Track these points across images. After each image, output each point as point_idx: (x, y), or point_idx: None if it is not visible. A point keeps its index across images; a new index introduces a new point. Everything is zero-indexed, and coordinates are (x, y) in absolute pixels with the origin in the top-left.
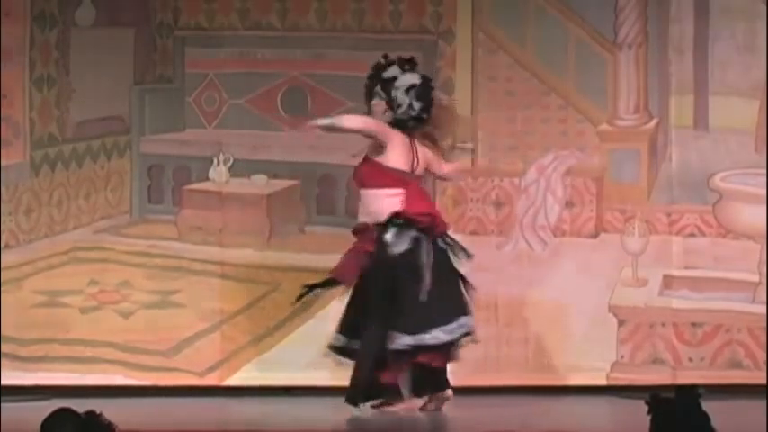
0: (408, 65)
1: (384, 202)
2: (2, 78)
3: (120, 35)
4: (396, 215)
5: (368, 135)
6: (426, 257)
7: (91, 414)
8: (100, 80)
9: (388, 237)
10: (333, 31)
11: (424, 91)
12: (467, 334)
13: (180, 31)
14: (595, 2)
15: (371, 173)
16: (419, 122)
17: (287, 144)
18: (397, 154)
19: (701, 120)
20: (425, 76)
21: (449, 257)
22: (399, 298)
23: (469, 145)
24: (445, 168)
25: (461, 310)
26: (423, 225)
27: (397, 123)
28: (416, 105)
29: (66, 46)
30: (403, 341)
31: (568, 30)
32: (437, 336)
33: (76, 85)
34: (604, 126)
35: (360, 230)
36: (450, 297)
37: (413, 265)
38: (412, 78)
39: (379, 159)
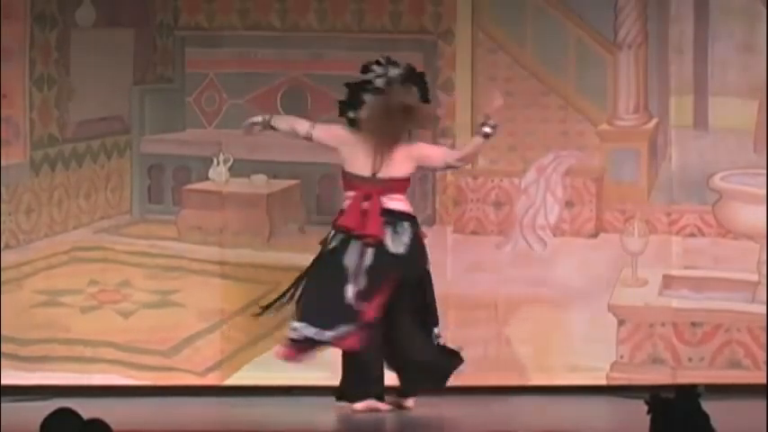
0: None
1: (344, 203)
2: (2, 78)
3: (120, 35)
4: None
5: (302, 138)
6: (356, 259)
7: (91, 420)
8: (100, 80)
9: (330, 234)
10: (332, 32)
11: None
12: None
13: (180, 31)
14: (595, 2)
15: (341, 175)
16: (353, 122)
17: (287, 144)
18: (349, 157)
19: (700, 120)
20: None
21: (391, 263)
22: (306, 291)
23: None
24: (449, 157)
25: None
26: (345, 230)
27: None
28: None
29: (67, 46)
30: (302, 332)
31: (568, 30)
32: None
33: (76, 85)
34: (604, 126)
35: None
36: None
37: (336, 263)
38: (398, 69)
39: (342, 162)
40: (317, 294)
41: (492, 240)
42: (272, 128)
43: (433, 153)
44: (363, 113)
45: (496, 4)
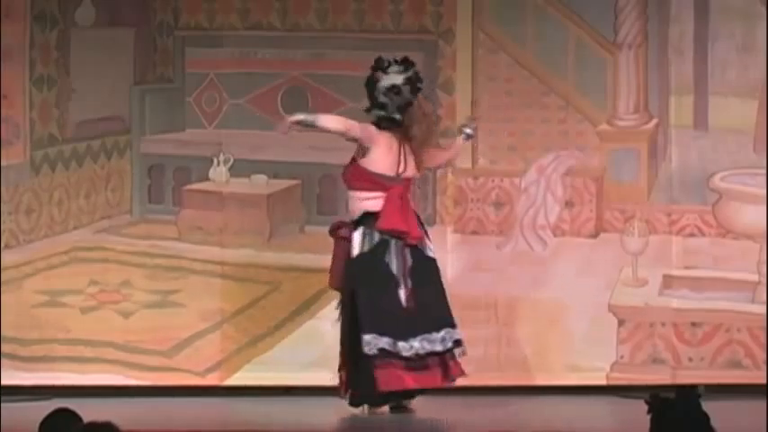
0: (402, 65)
1: (362, 204)
2: (2, 78)
3: (120, 35)
4: (366, 215)
5: (349, 137)
6: (396, 261)
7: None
8: (100, 80)
9: (355, 236)
10: (333, 31)
11: (404, 92)
12: (457, 344)
13: (180, 31)
14: (595, 2)
15: (355, 175)
16: (393, 123)
17: (287, 144)
18: (379, 157)
19: (700, 120)
20: (411, 79)
21: (430, 266)
22: (361, 300)
23: (469, 128)
24: (442, 157)
25: (444, 321)
26: (388, 233)
27: (376, 124)
28: (392, 106)
29: (67, 46)
30: (377, 343)
31: (568, 30)
32: (417, 346)
33: (76, 85)
34: (604, 126)
35: (333, 229)
36: (431, 306)
37: (375, 266)
38: (395, 79)
39: (363, 162)
40: (375, 302)
41: (492, 240)
42: (314, 126)
43: (439, 155)
44: (405, 116)
45: (496, 4)
